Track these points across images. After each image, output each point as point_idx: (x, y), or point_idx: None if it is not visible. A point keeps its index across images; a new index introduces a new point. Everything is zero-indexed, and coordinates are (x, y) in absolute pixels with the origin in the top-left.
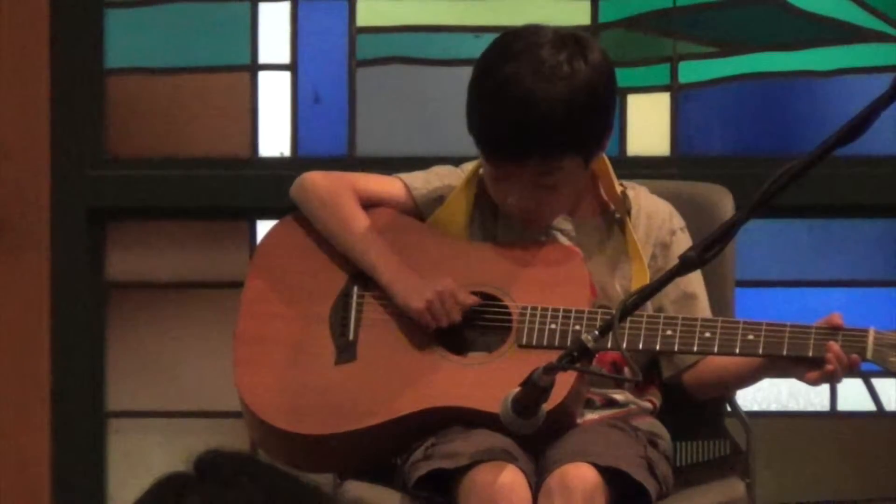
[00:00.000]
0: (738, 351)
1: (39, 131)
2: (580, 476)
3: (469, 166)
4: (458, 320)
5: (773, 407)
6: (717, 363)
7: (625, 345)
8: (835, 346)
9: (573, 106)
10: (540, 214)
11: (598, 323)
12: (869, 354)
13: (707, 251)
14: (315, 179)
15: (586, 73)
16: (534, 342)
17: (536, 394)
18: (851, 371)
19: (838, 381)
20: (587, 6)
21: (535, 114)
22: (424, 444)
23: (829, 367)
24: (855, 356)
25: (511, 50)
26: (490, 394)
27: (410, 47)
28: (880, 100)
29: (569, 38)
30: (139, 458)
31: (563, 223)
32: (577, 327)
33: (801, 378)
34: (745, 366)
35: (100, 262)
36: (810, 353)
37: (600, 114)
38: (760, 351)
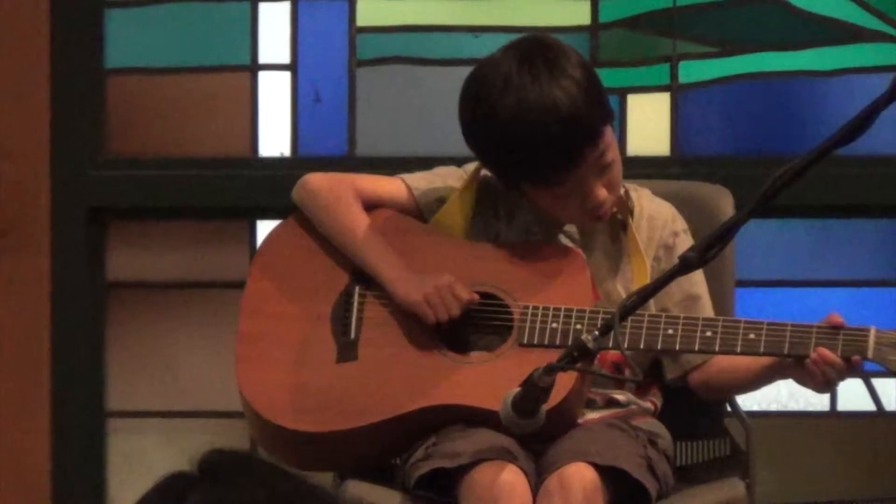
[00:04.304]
0: (739, 350)
1: (39, 131)
2: (580, 476)
3: (471, 166)
4: (457, 315)
5: (773, 407)
6: (723, 365)
7: (626, 344)
8: (819, 353)
9: (583, 84)
10: (611, 197)
11: (599, 322)
12: (870, 354)
13: (707, 251)
14: (316, 180)
15: (564, 55)
16: (535, 341)
17: (536, 394)
18: (852, 372)
19: (842, 379)
20: (587, 6)
21: (568, 114)
22: (425, 444)
23: (819, 378)
24: (856, 357)
25: (492, 94)
26: (491, 392)
27: (410, 47)
28: (880, 100)
29: (517, 49)
30: (139, 458)
31: (567, 224)
32: (579, 326)
33: (804, 384)
34: (752, 368)
35: (100, 262)
36: (811, 353)
37: (597, 76)
38: (762, 350)
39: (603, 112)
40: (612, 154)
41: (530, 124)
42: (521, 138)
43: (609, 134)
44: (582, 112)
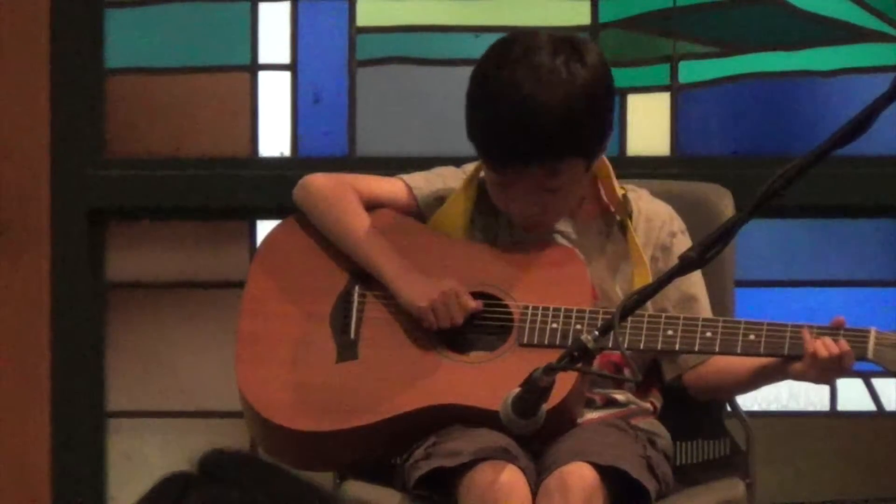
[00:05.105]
0: (739, 350)
1: (39, 131)
2: (579, 476)
3: (470, 167)
4: (460, 323)
5: (773, 407)
6: (721, 366)
7: (626, 345)
8: (808, 335)
9: (573, 109)
10: (544, 218)
11: (598, 323)
12: (870, 354)
13: (707, 251)
14: (317, 181)
15: (584, 76)
16: (535, 341)
17: (536, 394)
18: (843, 361)
19: (835, 375)
20: (587, 6)
21: (536, 118)
22: (425, 444)
23: (808, 348)
24: (842, 342)
25: (508, 56)
26: (491, 392)
27: (410, 47)
28: (880, 100)
29: (565, 42)
30: (139, 458)
31: (563, 225)
32: (578, 326)
33: (802, 378)
34: (749, 369)
35: (100, 262)
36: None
37: (600, 115)
38: (762, 350)
39: (578, 145)
40: (567, 187)
41: (510, 104)
42: (495, 109)
43: (574, 168)
44: (556, 128)
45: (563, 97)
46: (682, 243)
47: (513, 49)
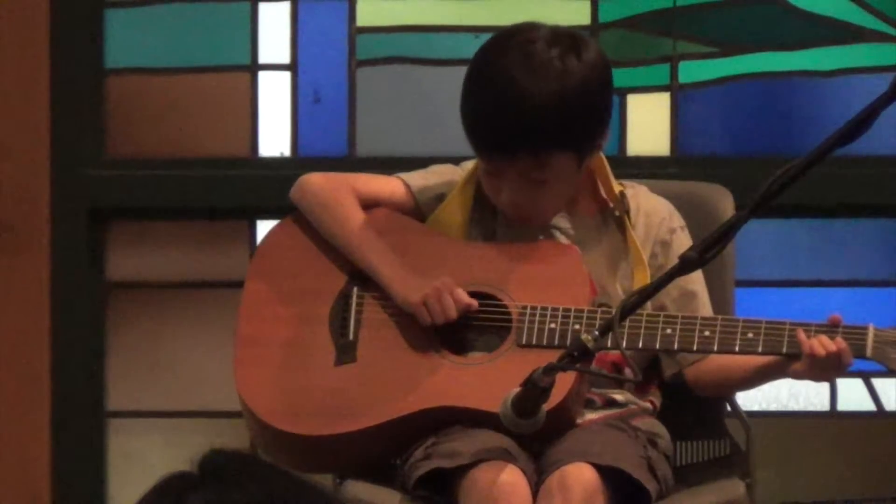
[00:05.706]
0: (737, 349)
1: (39, 131)
2: (579, 476)
3: (469, 165)
4: (454, 318)
5: (773, 407)
6: (722, 362)
7: (624, 344)
8: (803, 336)
9: (564, 102)
10: (533, 211)
11: (597, 322)
12: (868, 352)
13: (707, 251)
14: (314, 181)
15: (579, 70)
16: (533, 341)
17: (536, 394)
18: (841, 359)
19: (834, 373)
20: (587, 6)
21: (525, 109)
22: (425, 444)
23: (805, 348)
24: (839, 340)
25: (504, 46)
26: (490, 393)
27: (410, 47)
28: (880, 100)
29: (564, 36)
30: (139, 458)
31: (561, 221)
32: (577, 326)
33: (802, 376)
34: (750, 365)
35: (100, 262)
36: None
37: (593, 112)
38: (760, 349)
39: (567, 139)
40: (556, 181)
41: (500, 92)
42: (485, 97)
43: (563, 162)
44: (545, 120)
45: (554, 89)
46: (682, 239)
47: (510, 39)
